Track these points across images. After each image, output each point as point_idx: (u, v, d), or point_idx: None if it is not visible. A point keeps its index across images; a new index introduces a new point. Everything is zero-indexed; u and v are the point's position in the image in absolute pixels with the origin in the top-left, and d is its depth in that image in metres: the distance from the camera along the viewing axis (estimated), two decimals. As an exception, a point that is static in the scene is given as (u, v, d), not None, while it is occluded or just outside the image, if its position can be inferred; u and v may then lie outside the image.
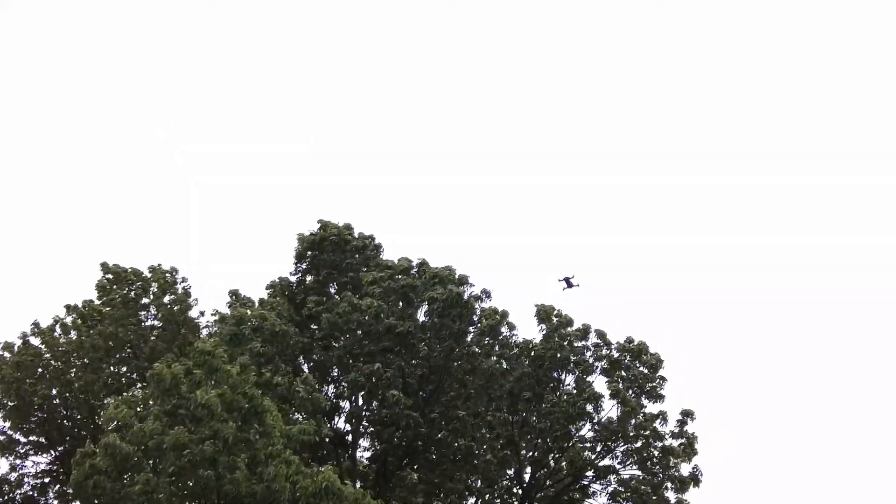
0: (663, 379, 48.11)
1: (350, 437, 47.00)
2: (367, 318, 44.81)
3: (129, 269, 52.30)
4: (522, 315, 49.05)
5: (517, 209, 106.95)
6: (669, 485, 47.07)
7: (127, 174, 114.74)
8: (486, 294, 46.86)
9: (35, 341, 50.82)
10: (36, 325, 51.11)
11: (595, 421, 47.29)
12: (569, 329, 48.16)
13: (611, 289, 78.96)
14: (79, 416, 50.36)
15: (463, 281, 46.67)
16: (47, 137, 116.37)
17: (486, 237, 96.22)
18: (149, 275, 52.44)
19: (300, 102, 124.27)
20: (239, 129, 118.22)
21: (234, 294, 48.40)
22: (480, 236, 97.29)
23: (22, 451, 50.35)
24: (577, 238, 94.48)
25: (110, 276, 52.04)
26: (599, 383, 47.91)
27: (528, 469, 48.66)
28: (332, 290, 48.35)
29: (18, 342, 50.66)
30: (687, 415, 47.77)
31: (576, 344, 47.86)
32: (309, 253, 48.33)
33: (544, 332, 48.04)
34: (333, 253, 48.21)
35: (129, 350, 51.00)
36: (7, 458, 49.86)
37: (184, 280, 53.04)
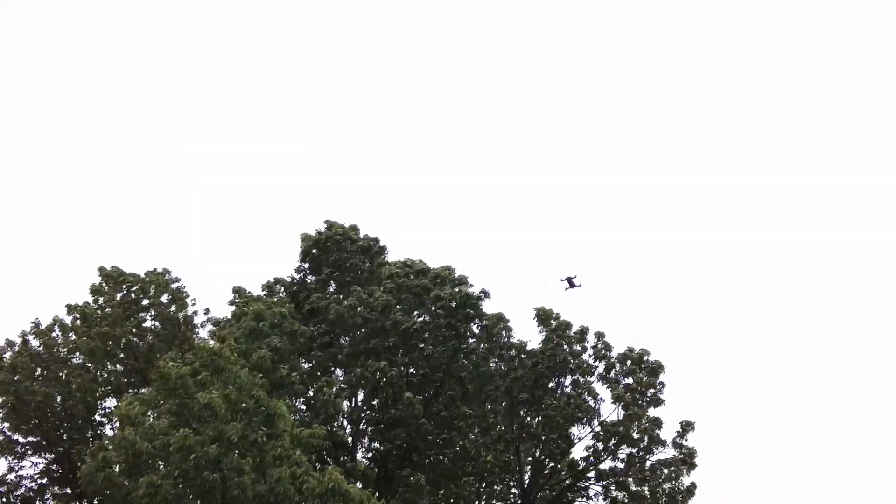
0: (663, 385, 48.24)
1: (350, 438, 46.82)
2: (374, 313, 44.58)
3: (127, 273, 52.20)
4: (522, 315, 49.17)
5: (517, 209, 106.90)
6: (668, 486, 47.12)
7: (127, 174, 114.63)
8: (485, 294, 46.87)
9: (35, 342, 50.63)
10: (36, 324, 50.95)
11: (595, 423, 47.34)
12: (568, 332, 48.20)
13: (612, 289, 78.85)
14: (78, 416, 50.14)
15: (462, 282, 46.69)
16: (47, 137, 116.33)
17: (486, 237, 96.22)
18: (145, 277, 52.37)
19: (300, 102, 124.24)
20: (239, 129, 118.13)
21: (237, 291, 48.22)
22: (480, 236, 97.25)
23: (21, 451, 50.14)
24: (577, 238, 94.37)
25: (106, 279, 51.88)
26: (600, 388, 48.23)
27: (528, 470, 48.61)
28: (333, 289, 48.21)
29: (18, 342, 50.44)
30: (687, 426, 47.71)
31: (575, 346, 47.92)
32: (313, 252, 48.26)
33: (544, 334, 48.13)
34: (338, 252, 48.20)
35: (126, 349, 50.85)
36: (6, 458, 49.67)
37: (177, 280, 52.92)
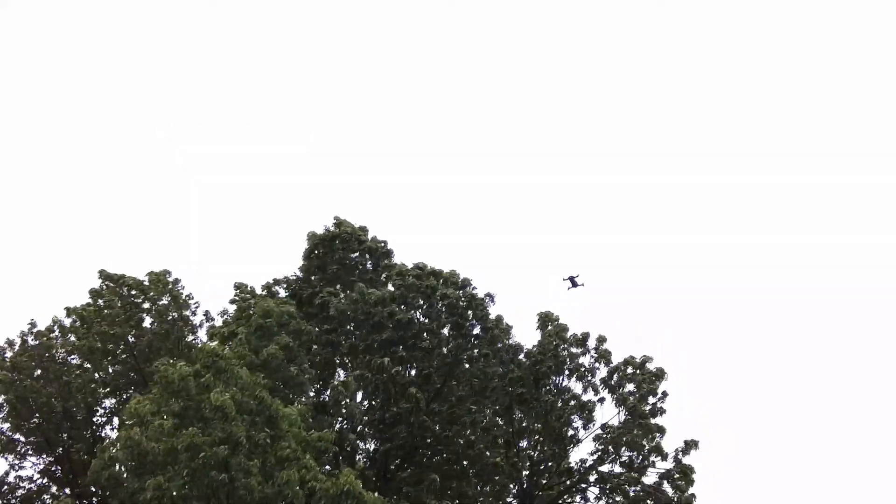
0: (665, 393, 48.29)
1: (352, 436, 46.75)
2: (377, 307, 44.70)
3: (127, 277, 52.29)
4: (522, 315, 49.23)
5: (517, 209, 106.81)
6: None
7: (127, 174, 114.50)
8: (491, 298, 46.92)
9: (33, 343, 50.58)
10: (33, 324, 50.92)
11: (595, 425, 47.43)
12: (567, 335, 48.27)
13: (613, 289, 78.77)
14: (77, 416, 50.13)
15: (466, 284, 46.70)
16: (47, 137, 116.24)
17: (486, 237, 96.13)
18: (145, 280, 52.46)
19: (300, 102, 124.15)
20: (239, 129, 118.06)
21: (239, 287, 48.12)
22: (480, 236, 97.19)
23: (21, 451, 50.13)
24: (578, 238, 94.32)
25: (106, 281, 51.92)
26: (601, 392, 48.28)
27: (527, 471, 48.60)
28: (338, 288, 48.19)
29: (18, 342, 50.43)
30: (690, 445, 47.69)
31: (573, 350, 48.02)
32: (317, 251, 48.20)
33: (541, 337, 48.31)
34: (344, 251, 48.20)
35: (126, 350, 50.86)
36: (6, 458, 49.67)
37: (177, 281, 52.92)
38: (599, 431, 47.69)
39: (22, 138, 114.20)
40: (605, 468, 47.85)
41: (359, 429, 46.53)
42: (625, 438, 46.97)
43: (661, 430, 47.53)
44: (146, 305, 52.16)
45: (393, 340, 45.11)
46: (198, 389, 34.25)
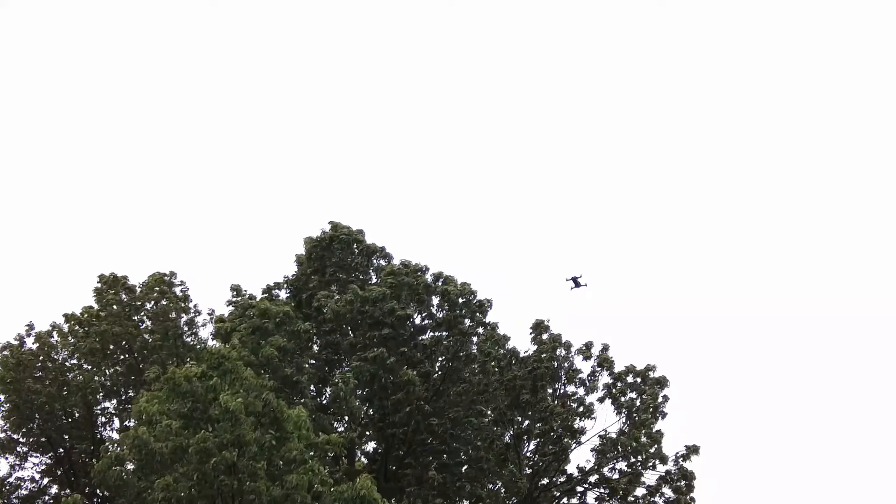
0: (667, 398, 48.42)
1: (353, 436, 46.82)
2: (371, 306, 44.78)
3: (128, 281, 52.47)
4: (522, 316, 49.26)
5: (517, 209, 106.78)
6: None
7: (127, 175, 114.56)
8: (489, 303, 47.08)
9: (33, 345, 50.67)
10: (31, 326, 50.99)
11: (595, 427, 47.68)
12: (562, 342, 48.39)
13: (612, 290, 78.69)
14: (77, 416, 50.22)
15: (464, 287, 46.87)
16: (47, 137, 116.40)
17: (487, 237, 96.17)
18: (146, 282, 52.61)
19: (300, 102, 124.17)
20: (239, 129, 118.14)
21: (235, 289, 48.26)
22: (481, 237, 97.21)
23: (22, 451, 50.22)
24: (577, 238, 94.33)
25: (106, 284, 52.05)
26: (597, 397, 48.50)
27: (527, 472, 48.67)
28: (335, 289, 48.30)
29: (16, 344, 50.47)
30: (691, 450, 47.79)
31: (572, 356, 48.20)
32: (315, 254, 48.31)
33: (537, 344, 48.50)
34: (342, 252, 48.32)
35: (126, 350, 50.96)
36: (6, 458, 49.76)
37: (182, 283, 53.13)
38: (601, 433, 47.75)
39: (22, 138, 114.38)
40: (605, 471, 47.92)
41: (358, 429, 46.60)
42: (625, 442, 46.97)
43: (662, 436, 47.63)
44: (148, 306, 52.27)
45: (391, 337, 45.17)
46: (204, 390, 34.07)
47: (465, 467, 47.42)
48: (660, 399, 48.10)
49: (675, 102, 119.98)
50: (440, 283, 46.89)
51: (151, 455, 33.22)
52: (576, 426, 47.47)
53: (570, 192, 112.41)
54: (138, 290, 52.19)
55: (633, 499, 47.37)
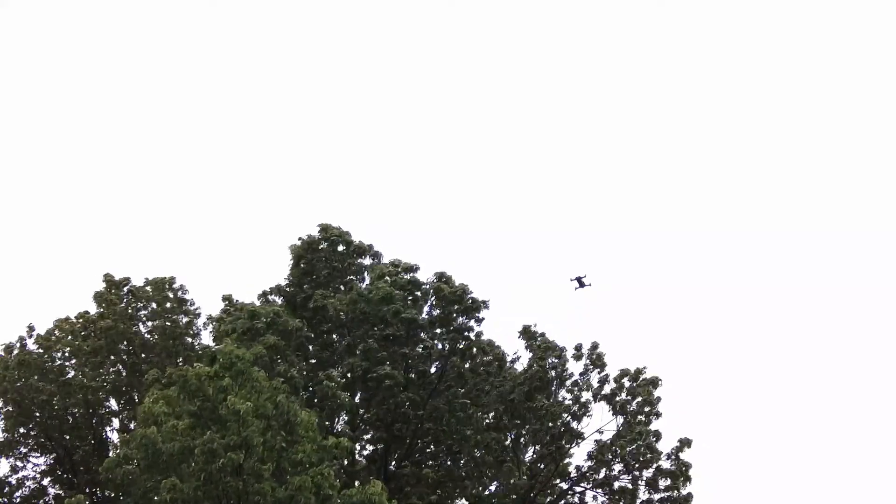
0: (659, 398, 48.52)
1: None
2: (373, 306, 44.78)
3: (130, 283, 52.67)
4: (522, 316, 49.37)
5: (517, 209, 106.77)
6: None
7: (127, 175, 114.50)
8: (485, 304, 47.11)
9: (33, 346, 50.84)
10: (31, 328, 51.16)
11: (591, 427, 47.87)
12: (555, 349, 48.56)
13: (616, 289, 78.79)
14: (78, 416, 50.37)
15: (463, 290, 47.00)
16: (47, 137, 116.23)
17: (487, 237, 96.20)
18: (147, 284, 52.84)
19: (300, 102, 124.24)
20: (239, 129, 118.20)
21: (227, 299, 48.35)
22: (481, 237, 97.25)
23: (22, 451, 50.36)
24: (577, 238, 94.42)
25: (109, 285, 52.28)
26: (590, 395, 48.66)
27: (526, 472, 48.84)
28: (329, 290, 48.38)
29: (17, 345, 50.65)
30: (683, 443, 47.93)
31: (566, 362, 48.36)
32: (305, 257, 48.36)
33: (530, 351, 48.68)
34: (333, 254, 48.40)
35: (127, 350, 51.13)
36: (7, 458, 49.88)
37: (181, 287, 53.31)
38: (597, 436, 48.10)
39: (22, 138, 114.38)
40: (603, 471, 48.13)
41: (358, 430, 46.75)
42: (623, 445, 47.20)
43: (658, 435, 47.85)
44: (149, 308, 52.51)
45: (388, 336, 45.30)
46: (215, 391, 34.05)
47: (464, 466, 47.62)
48: (654, 398, 48.31)
49: (675, 103, 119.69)
50: (435, 282, 47.05)
51: (158, 455, 33.26)
52: (573, 427, 47.69)
53: (570, 192, 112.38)
54: (140, 292, 52.41)
55: (630, 497, 47.62)
